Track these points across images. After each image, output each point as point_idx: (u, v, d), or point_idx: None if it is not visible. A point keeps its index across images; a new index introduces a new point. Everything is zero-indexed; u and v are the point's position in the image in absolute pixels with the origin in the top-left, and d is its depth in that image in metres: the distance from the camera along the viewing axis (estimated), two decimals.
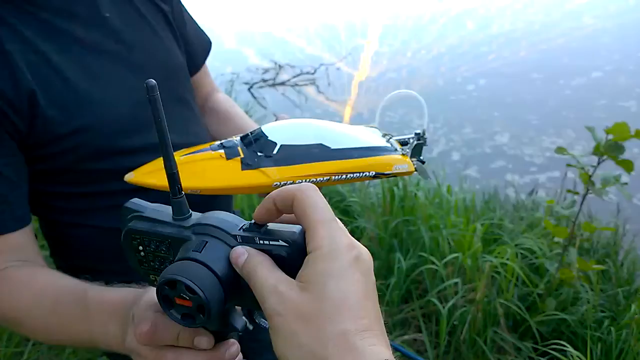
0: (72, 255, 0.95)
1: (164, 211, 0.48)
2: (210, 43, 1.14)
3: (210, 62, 1.16)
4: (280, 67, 5.68)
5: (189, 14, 1.07)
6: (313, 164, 0.82)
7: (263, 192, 0.86)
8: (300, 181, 0.81)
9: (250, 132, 0.85)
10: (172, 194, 0.46)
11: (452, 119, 4.32)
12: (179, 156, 0.82)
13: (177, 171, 0.46)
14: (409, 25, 7.23)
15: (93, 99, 0.82)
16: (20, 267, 0.77)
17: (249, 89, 5.19)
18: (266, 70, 5.64)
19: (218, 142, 0.85)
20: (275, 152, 0.81)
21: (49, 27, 0.80)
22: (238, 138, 0.86)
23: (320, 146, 0.83)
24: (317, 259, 0.40)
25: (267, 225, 0.45)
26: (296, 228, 0.43)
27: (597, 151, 1.44)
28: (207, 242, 0.44)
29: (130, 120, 0.86)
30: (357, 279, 0.40)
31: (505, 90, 4.79)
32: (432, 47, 6.23)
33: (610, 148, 1.41)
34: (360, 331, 0.38)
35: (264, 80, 5.40)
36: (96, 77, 0.83)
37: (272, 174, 0.80)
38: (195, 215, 0.47)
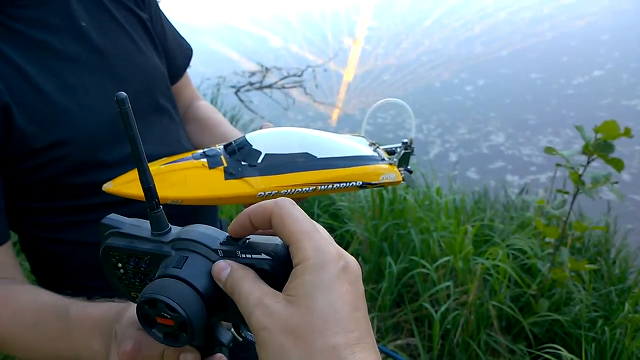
0: (53, 271, 0.93)
1: (143, 226, 0.47)
2: (191, 50, 1.11)
3: (196, 66, 1.13)
4: (267, 69, 5.66)
5: (168, 20, 1.04)
6: (298, 173, 0.79)
7: (247, 202, 0.83)
8: (286, 191, 0.79)
9: (234, 141, 0.83)
10: (150, 208, 0.44)
11: (447, 120, 4.29)
12: (159, 165, 0.80)
13: (154, 185, 0.44)
14: (396, 24, 7.21)
15: (70, 112, 0.79)
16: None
17: (235, 93, 5.16)
18: (253, 73, 5.62)
19: (200, 151, 0.83)
20: (259, 161, 0.79)
21: (23, 39, 0.78)
22: (221, 146, 0.83)
23: (306, 155, 0.80)
24: (304, 270, 0.38)
25: (249, 238, 0.44)
26: (278, 240, 0.42)
27: (587, 150, 1.43)
28: (187, 257, 0.43)
29: (110, 132, 0.83)
30: (346, 290, 0.39)
31: (504, 90, 4.73)
32: (422, 45, 6.22)
33: (600, 147, 1.40)
34: (350, 345, 0.36)
35: (251, 84, 5.38)
36: (73, 88, 0.80)
37: (256, 183, 0.78)
38: (175, 230, 0.46)
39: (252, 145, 0.80)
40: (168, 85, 1.01)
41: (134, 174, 0.78)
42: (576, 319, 1.70)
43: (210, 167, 0.79)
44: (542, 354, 1.54)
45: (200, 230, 0.45)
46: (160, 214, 0.45)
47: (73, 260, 0.89)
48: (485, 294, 1.79)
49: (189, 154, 0.83)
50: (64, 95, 0.79)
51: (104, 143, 0.83)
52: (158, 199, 0.44)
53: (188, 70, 1.13)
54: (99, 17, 0.87)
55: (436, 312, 1.72)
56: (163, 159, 0.83)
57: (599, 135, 1.40)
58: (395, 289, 1.95)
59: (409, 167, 0.88)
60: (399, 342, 1.85)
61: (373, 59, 6.00)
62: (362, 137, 0.92)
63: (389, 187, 2.22)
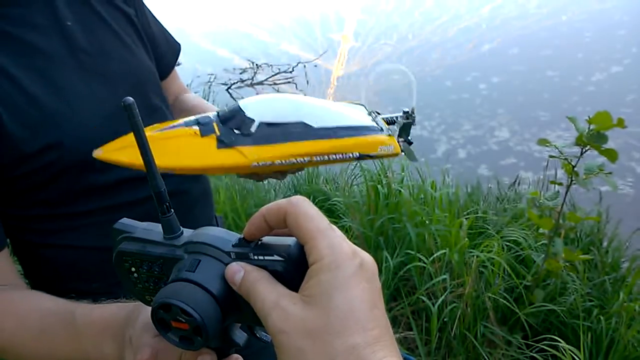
0: (48, 275, 0.91)
1: (155, 230, 0.47)
2: (179, 46, 1.10)
3: (187, 64, 1.12)
4: (257, 66, 5.64)
5: (154, 16, 1.03)
6: (294, 143, 0.77)
7: (241, 172, 0.80)
8: (280, 162, 0.76)
9: (228, 108, 0.80)
10: (161, 212, 0.44)
11: (451, 117, 4.24)
12: (150, 131, 0.77)
13: (165, 189, 0.44)
14: (384, 18, 7.19)
15: (59, 114, 0.77)
16: (0, 292, 0.74)
17: (227, 90, 5.14)
18: (244, 70, 5.60)
19: (193, 117, 0.79)
20: (253, 130, 0.76)
21: (8, 39, 0.76)
22: (215, 113, 0.80)
23: (302, 124, 0.78)
24: (320, 270, 0.38)
25: (261, 240, 0.43)
26: (290, 241, 0.42)
27: (580, 141, 1.44)
28: (200, 260, 0.43)
29: (102, 134, 0.81)
30: (363, 287, 0.38)
31: (517, 88, 4.60)
32: (413, 39, 6.18)
33: (593, 138, 1.40)
34: (370, 344, 0.36)
35: (242, 81, 5.36)
36: (62, 90, 0.79)
37: (249, 153, 0.75)
38: (187, 233, 0.46)
39: (245, 113, 0.77)
40: (158, 82, 0.99)
41: (124, 141, 0.76)
42: (571, 309, 1.72)
43: (202, 135, 0.76)
44: (539, 345, 1.55)
45: (212, 233, 0.44)
46: (172, 217, 0.45)
47: (70, 264, 0.87)
48: (481, 286, 1.80)
49: (181, 120, 0.79)
50: (52, 97, 0.77)
51: (96, 145, 0.81)
52: (169, 202, 0.44)
53: (178, 68, 1.12)
54: (84, 16, 0.85)
55: (433, 305, 1.73)
56: (154, 125, 0.80)
57: (592, 126, 1.41)
58: (392, 283, 1.95)
59: (409, 137, 0.86)
60: (396, 335, 1.85)
61: (364, 54, 5.98)
62: (362, 104, 0.89)
63: (384, 181, 2.22)
